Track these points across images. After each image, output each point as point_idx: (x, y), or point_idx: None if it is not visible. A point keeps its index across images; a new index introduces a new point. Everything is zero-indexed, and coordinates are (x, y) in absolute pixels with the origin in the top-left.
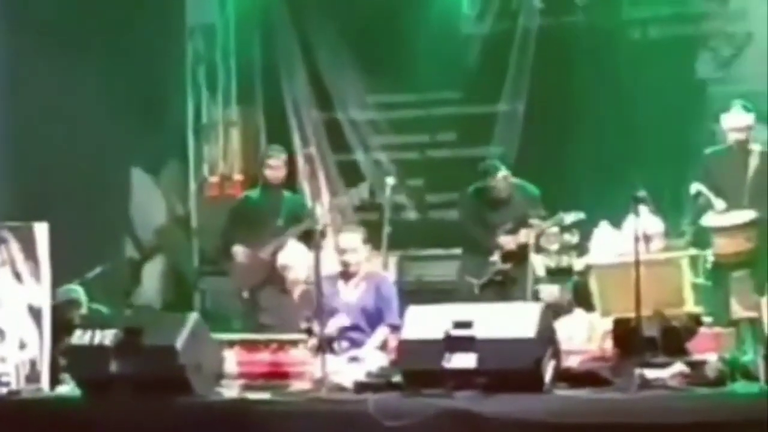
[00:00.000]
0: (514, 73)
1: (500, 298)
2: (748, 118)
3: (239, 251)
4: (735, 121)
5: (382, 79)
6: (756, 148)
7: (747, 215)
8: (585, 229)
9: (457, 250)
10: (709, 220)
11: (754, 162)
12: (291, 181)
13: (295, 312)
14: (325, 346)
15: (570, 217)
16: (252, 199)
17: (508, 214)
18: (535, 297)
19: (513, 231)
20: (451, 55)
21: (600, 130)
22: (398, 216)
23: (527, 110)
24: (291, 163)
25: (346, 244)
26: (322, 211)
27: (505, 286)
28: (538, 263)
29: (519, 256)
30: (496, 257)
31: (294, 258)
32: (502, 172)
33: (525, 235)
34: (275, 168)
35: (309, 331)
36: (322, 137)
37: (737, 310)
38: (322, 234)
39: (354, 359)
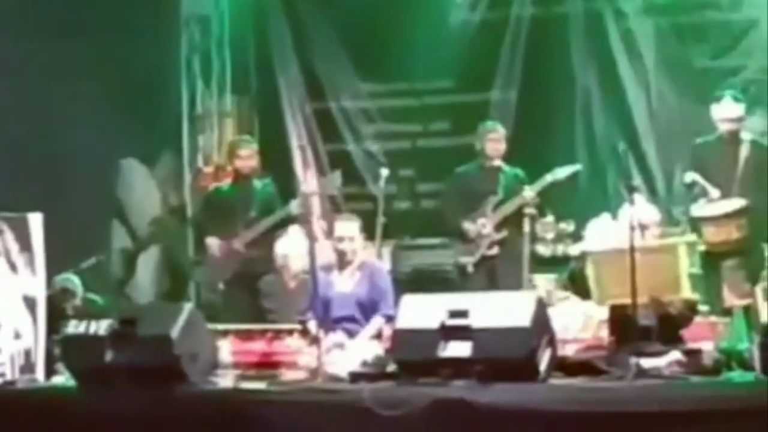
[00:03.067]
0: (507, 62)
1: (495, 275)
2: (739, 109)
3: (213, 243)
4: (726, 111)
5: (373, 68)
6: (746, 137)
7: (735, 204)
8: (581, 218)
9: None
10: (697, 209)
11: (744, 152)
12: (283, 171)
13: (293, 301)
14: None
15: (565, 171)
16: (223, 191)
17: (496, 184)
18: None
19: (500, 204)
20: (444, 44)
21: (593, 118)
22: (390, 206)
23: (520, 98)
24: (283, 154)
25: (343, 233)
26: (310, 201)
27: (499, 261)
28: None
29: (513, 224)
30: (488, 230)
31: (292, 247)
32: (501, 131)
33: (520, 199)
34: (245, 158)
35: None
36: (314, 127)
37: (730, 299)
38: (297, 221)
39: (339, 345)
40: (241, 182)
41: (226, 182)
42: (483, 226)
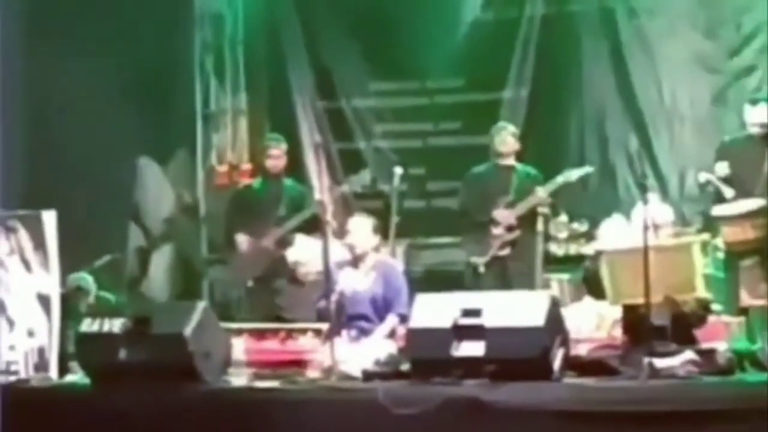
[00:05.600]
0: (519, 61)
1: (507, 275)
2: None
3: (242, 240)
4: (759, 116)
5: (385, 66)
6: None
7: (754, 203)
8: (593, 217)
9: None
10: (716, 209)
11: None
12: (296, 170)
13: (308, 299)
14: (335, 329)
15: (577, 173)
16: (253, 189)
17: (509, 184)
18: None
19: (512, 204)
20: (455, 43)
21: (605, 117)
22: (401, 204)
23: (531, 97)
24: (296, 152)
25: (352, 226)
26: (323, 199)
27: (511, 260)
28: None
29: (525, 224)
30: (500, 230)
31: (304, 253)
32: (511, 129)
33: (533, 199)
34: (276, 157)
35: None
36: (325, 125)
37: (747, 299)
38: (327, 222)
39: (356, 339)
40: (272, 180)
41: (256, 180)
42: (499, 223)
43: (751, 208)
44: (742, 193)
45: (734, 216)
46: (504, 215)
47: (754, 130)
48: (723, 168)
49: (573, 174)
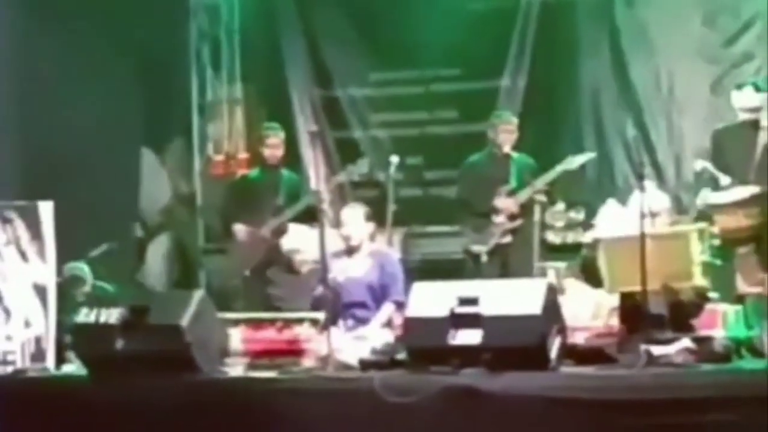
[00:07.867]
0: (516, 49)
1: (508, 263)
2: (758, 99)
3: (240, 229)
4: (744, 100)
5: (382, 55)
6: (766, 124)
7: (747, 191)
8: (590, 206)
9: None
10: (708, 197)
11: (763, 139)
12: (292, 159)
13: (304, 288)
14: (331, 318)
15: (579, 159)
16: (250, 179)
17: (508, 173)
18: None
19: (513, 193)
20: (452, 31)
21: (602, 105)
22: (398, 193)
23: (528, 85)
24: (292, 141)
25: (345, 217)
26: (321, 188)
27: (512, 248)
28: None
29: (527, 212)
30: (502, 218)
31: (299, 241)
32: (511, 126)
33: (530, 191)
34: (274, 147)
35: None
36: (321, 114)
37: (742, 286)
38: (324, 212)
39: (359, 338)
40: (269, 170)
41: (254, 169)
42: (501, 211)
43: (743, 196)
44: (736, 180)
45: (727, 204)
46: (507, 203)
47: (741, 116)
48: (718, 155)
49: (575, 161)
